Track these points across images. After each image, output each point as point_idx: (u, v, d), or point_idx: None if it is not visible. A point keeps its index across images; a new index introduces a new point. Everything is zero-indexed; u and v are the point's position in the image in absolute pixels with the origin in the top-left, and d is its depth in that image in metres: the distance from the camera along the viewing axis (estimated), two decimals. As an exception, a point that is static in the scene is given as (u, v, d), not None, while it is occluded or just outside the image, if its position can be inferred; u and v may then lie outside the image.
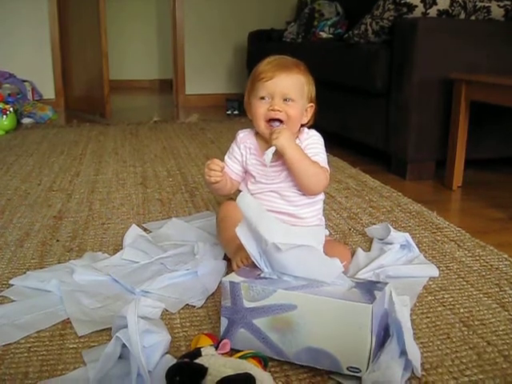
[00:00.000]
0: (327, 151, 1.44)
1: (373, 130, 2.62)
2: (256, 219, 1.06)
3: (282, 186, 1.40)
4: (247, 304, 0.99)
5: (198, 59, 5.02)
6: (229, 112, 4.37)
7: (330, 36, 3.68)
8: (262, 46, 4.20)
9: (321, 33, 3.71)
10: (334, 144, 2.95)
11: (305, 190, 1.39)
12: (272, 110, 1.35)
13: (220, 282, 1.29)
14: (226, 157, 1.48)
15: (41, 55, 4.59)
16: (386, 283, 1.02)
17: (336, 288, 0.98)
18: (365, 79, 2.57)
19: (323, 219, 1.50)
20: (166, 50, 6.22)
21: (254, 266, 1.09)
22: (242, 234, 1.09)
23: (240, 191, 1.45)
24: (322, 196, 1.46)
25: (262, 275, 1.05)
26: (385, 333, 0.99)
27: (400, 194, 2.10)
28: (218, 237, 1.48)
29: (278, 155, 1.36)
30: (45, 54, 4.61)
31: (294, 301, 0.96)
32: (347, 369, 0.93)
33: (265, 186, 1.42)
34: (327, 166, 1.40)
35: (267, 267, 1.06)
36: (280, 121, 1.36)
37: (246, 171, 1.47)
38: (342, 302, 0.93)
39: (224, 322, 1.02)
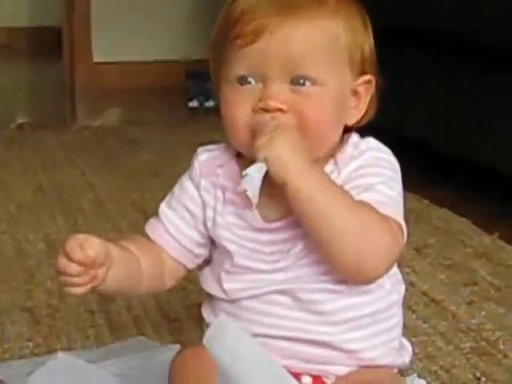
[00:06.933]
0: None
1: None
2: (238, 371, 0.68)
3: (296, 277, 0.74)
4: None
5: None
6: (193, 103, 2.46)
7: None
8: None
9: None
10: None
11: (341, 270, 0.72)
12: (264, 107, 0.71)
13: None
14: (162, 205, 0.85)
15: None
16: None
17: None
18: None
19: (407, 357, 0.80)
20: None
21: None
22: None
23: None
24: (395, 292, 0.77)
25: None
26: None
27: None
28: None
29: (283, 211, 0.73)
30: None
31: None
32: None
33: (258, 277, 0.76)
34: (400, 218, 0.73)
35: None
36: None
37: (210, 241, 0.81)
38: None
39: None
